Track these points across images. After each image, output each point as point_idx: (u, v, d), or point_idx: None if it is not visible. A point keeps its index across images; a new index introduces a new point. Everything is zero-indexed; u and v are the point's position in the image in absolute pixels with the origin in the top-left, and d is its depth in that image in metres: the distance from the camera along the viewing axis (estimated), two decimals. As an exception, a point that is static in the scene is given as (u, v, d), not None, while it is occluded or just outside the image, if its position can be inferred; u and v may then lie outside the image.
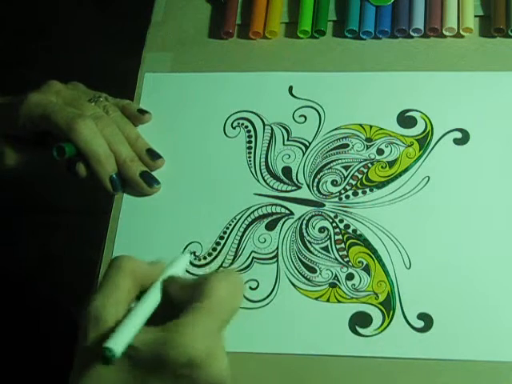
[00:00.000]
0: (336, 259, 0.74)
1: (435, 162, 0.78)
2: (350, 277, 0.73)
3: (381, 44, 0.85)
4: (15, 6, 1.79)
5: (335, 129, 0.81)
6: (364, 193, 0.77)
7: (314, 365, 0.69)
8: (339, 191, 0.77)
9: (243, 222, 0.77)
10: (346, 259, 0.74)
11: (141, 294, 0.64)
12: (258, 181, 0.79)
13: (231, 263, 0.75)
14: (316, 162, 0.79)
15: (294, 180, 0.78)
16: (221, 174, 0.79)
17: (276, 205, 0.77)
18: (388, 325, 0.70)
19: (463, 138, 0.78)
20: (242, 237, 0.76)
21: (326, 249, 0.75)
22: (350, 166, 0.78)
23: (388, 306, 0.71)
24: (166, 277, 0.65)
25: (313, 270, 0.74)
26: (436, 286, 0.71)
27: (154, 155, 0.80)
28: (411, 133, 0.79)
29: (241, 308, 0.72)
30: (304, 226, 0.76)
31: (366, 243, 0.74)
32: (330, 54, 0.85)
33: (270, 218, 0.77)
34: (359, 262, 0.73)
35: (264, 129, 0.82)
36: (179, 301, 0.63)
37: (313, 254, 0.74)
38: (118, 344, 0.59)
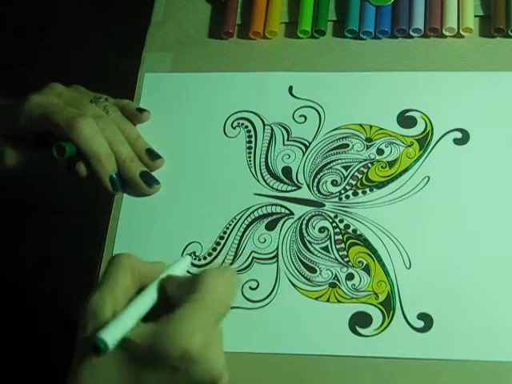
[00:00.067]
0: (336, 259, 0.74)
1: (435, 162, 0.78)
2: (349, 277, 0.73)
3: (381, 44, 0.85)
4: (15, 5, 1.79)
5: (335, 129, 0.81)
6: (364, 193, 0.77)
7: (314, 365, 0.69)
8: (339, 191, 0.77)
9: (243, 222, 0.77)
10: (345, 259, 0.74)
11: (140, 292, 0.65)
12: (258, 181, 0.79)
13: (231, 263, 0.75)
14: (316, 162, 0.79)
15: (294, 180, 0.78)
16: (221, 174, 0.79)
17: (276, 205, 0.77)
18: (388, 325, 0.70)
19: (463, 138, 0.79)
20: (241, 237, 0.76)
21: (326, 249, 0.75)
22: (350, 166, 0.78)
23: (388, 306, 0.71)
24: (165, 276, 0.66)
25: (313, 270, 0.74)
26: (436, 286, 0.71)
27: (153, 155, 0.80)
28: (411, 133, 0.79)
29: (241, 308, 0.72)
30: (304, 226, 0.76)
31: (366, 243, 0.74)
32: (329, 53, 0.85)
33: (269, 218, 0.77)
34: (359, 262, 0.73)
35: (264, 129, 0.82)
36: (176, 298, 0.63)
37: (313, 254, 0.74)
38: (109, 335, 0.60)
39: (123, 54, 1.26)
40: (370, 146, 0.79)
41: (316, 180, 0.78)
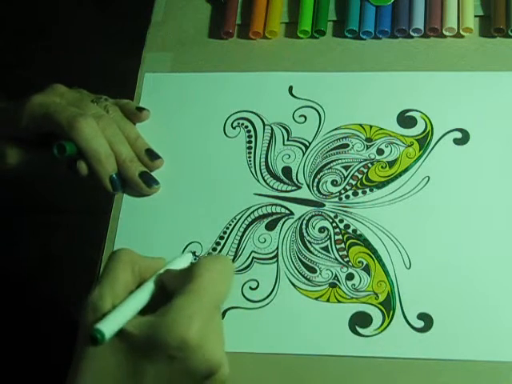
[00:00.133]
0: (336, 259, 0.74)
1: (435, 162, 0.78)
2: (350, 277, 0.73)
3: (381, 44, 0.85)
4: (15, 5, 1.79)
5: (335, 129, 0.81)
6: (364, 193, 0.77)
7: (314, 365, 0.69)
8: (339, 191, 0.77)
9: (243, 222, 0.77)
10: (345, 259, 0.74)
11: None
12: (258, 181, 0.79)
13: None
14: (316, 162, 0.79)
15: (294, 180, 0.78)
16: (221, 174, 0.79)
17: (276, 205, 0.77)
18: (388, 325, 0.70)
19: (463, 138, 0.79)
20: (242, 237, 0.76)
21: (326, 249, 0.75)
22: (350, 166, 0.78)
23: (388, 306, 0.71)
24: (164, 270, 0.66)
25: (313, 270, 0.74)
26: (436, 286, 0.71)
27: (152, 155, 0.80)
28: (411, 133, 0.79)
29: (241, 308, 0.72)
30: (304, 226, 0.76)
31: (366, 243, 0.74)
32: (329, 53, 0.85)
33: (269, 218, 0.77)
34: (359, 262, 0.73)
35: (264, 129, 0.82)
36: (173, 289, 0.64)
37: (313, 254, 0.74)
38: (107, 326, 0.61)
39: (123, 54, 1.26)
40: (370, 145, 0.79)
41: (316, 180, 0.78)
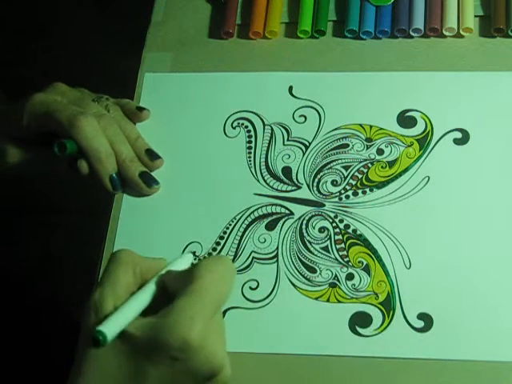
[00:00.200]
0: (336, 259, 0.74)
1: (435, 162, 0.78)
2: (350, 277, 0.73)
3: (381, 44, 0.85)
4: (15, 5, 1.79)
5: (335, 129, 0.81)
6: (364, 193, 0.77)
7: (314, 365, 0.69)
8: (339, 191, 0.77)
9: (243, 222, 0.77)
10: (345, 259, 0.74)
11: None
12: (258, 181, 0.79)
13: (231, 263, 0.75)
14: (316, 162, 0.79)
15: (294, 180, 0.78)
16: (221, 174, 0.79)
17: (276, 205, 0.77)
18: (388, 325, 0.70)
19: (463, 138, 0.79)
20: (241, 237, 0.76)
21: (326, 249, 0.75)
22: (350, 166, 0.78)
23: (388, 305, 0.71)
24: (165, 271, 0.66)
25: (313, 270, 0.74)
26: (436, 286, 0.71)
27: (152, 155, 0.80)
28: (411, 133, 0.79)
29: (241, 308, 0.72)
30: (304, 226, 0.76)
31: (366, 243, 0.74)
32: (329, 53, 0.85)
33: (270, 218, 0.77)
34: (359, 262, 0.73)
35: (264, 129, 0.82)
36: (174, 291, 0.64)
37: (313, 254, 0.74)
38: (108, 328, 0.61)
39: (123, 53, 1.26)
40: (370, 145, 0.79)
41: (316, 180, 0.78)
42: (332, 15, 0.87)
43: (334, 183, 0.78)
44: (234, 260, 0.75)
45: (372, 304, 0.71)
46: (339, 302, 0.72)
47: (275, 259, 0.75)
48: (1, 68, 1.66)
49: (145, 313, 0.64)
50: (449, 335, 0.69)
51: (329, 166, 0.79)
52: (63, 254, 1.42)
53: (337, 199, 0.77)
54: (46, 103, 0.78)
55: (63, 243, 1.44)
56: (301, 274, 0.74)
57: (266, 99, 0.83)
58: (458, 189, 0.76)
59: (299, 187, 0.78)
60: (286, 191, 0.78)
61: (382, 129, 0.80)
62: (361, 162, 0.78)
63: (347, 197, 0.77)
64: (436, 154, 0.78)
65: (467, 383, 0.67)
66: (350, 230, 0.75)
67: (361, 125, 0.80)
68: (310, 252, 0.75)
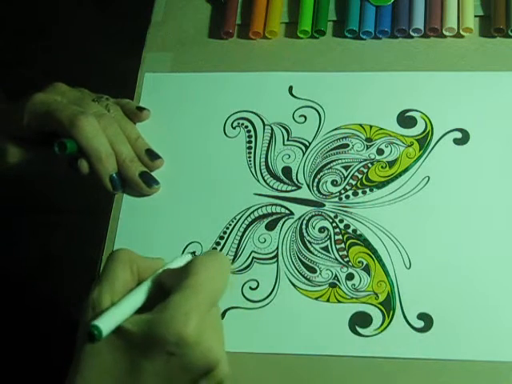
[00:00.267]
0: (336, 259, 0.74)
1: (435, 162, 0.78)
2: (350, 277, 0.73)
3: (381, 44, 0.85)
4: (15, 5, 1.79)
5: (335, 129, 0.81)
6: (364, 193, 0.77)
7: (314, 365, 0.69)
8: (339, 191, 0.77)
9: (243, 222, 0.77)
10: (345, 259, 0.74)
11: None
12: (258, 181, 0.79)
13: (231, 263, 0.75)
14: (316, 162, 0.79)
15: (294, 180, 0.78)
16: (221, 174, 0.79)
17: (276, 205, 0.77)
18: (388, 325, 0.70)
19: (463, 138, 0.79)
20: (241, 237, 0.76)
21: (325, 249, 0.75)
22: (350, 166, 0.78)
23: (388, 305, 0.71)
24: (162, 270, 0.67)
25: (313, 270, 0.74)
26: (436, 286, 0.71)
27: (152, 155, 0.80)
28: (411, 133, 0.79)
29: (241, 308, 0.72)
30: (304, 226, 0.76)
31: (366, 243, 0.74)
32: (329, 53, 0.85)
33: (270, 218, 0.77)
34: (359, 262, 0.73)
35: (264, 129, 0.82)
36: (170, 287, 0.64)
37: (313, 254, 0.74)
38: (104, 323, 0.62)
39: (123, 53, 1.26)
40: (370, 145, 0.79)
41: (316, 180, 0.78)
42: (332, 15, 0.87)
43: (334, 183, 0.78)
44: (233, 260, 0.75)
45: (372, 304, 0.71)
46: (339, 301, 0.72)
47: (275, 259, 0.75)
48: (1, 68, 1.66)
49: (141, 311, 0.64)
50: (449, 335, 0.69)
51: (329, 166, 0.79)
52: (63, 254, 1.42)
53: (337, 199, 0.77)
54: (47, 103, 0.78)
55: (63, 243, 1.44)
56: (301, 274, 0.74)
57: (266, 99, 0.83)
58: (458, 189, 0.76)
59: (299, 187, 0.78)
60: (286, 191, 0.78)
61: (382, 129, 0.80)
62: (361, 162, 0.78)
63: (347, 197, 0.77)
64: (436, 154, 0.78)
65: (467, 383, 0.67)
66: (349, 230, 0.75)
67: (361, 125, 0.80)
68: (310, 252, 0.75)
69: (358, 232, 0.75)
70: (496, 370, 0.67)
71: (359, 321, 0.71)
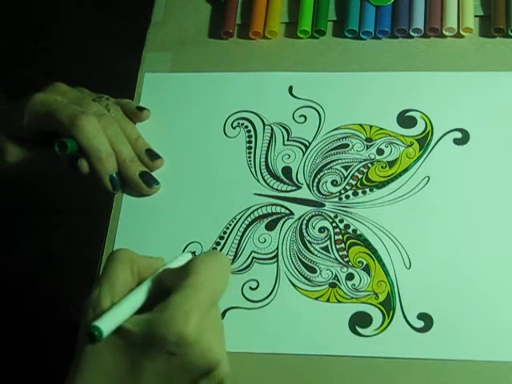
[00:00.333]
0: (336, 259, 0.74)
1: (435, 162, 0.78)
2: (350, 277, 0.73)
3: (381, 44, 0.85)
4: (15, 5, 1.79)
5: (335, 129, 0.81)
6: (364, 193, 0.77)
7: (314, 365, 0.69)
8: (339, 191, 0.77)
9: (243, 222, 0.77)
10: (345, 259, 0.74)
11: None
12: (258, 181, 0.79)
13: (231, 263, 0.75)
14: (316, 162, 0.79)
15: (294, 180, 0.78)
16: (221, 174, 0.79)
17: (276, 205, 0.77)
18: (388, 325, 0.70)
19: (463, 138, 0.79)
20: (241, 237, 0.76)
21: (326, 249, 0.75)
22: (350, 166, 0.78)
23: (388, 305, 0.71)
24: (162, 269, 0.67)
25: (313, 270, 0.74)
26: (436, 286, 0.71)
27: (153, 155, 0.80)
28: (411, 133, 0.79)
29: (241, 308, 0.72)
30: (304, 226, 0.76)
31: (366, 243, 0.74)
32: (329, 53, 0.85)
33: (270, 218, 0.77)
34: (359, 262, 0.73)
35: (264, 129, 0.82)
36: (170, 286, 0.64)
37: (313, 254, 0.74)
38: (104, 323, 0.62)
39: (123, 53, 1.26)
40: (370, 145, 0.79)
41: (316, 180, 0.78)
42: (332, 15, 0.87)
43: (334, 183, 0.78)
44: (233, 260, 0.75)
45: (372, 304, 0.71)
46: (339, 301, 0.72)
47: (275, 259, 0.75)
48: (1, 68, 1.66)
49: (142, 310, 0.64)
50: (449, 335, 0.69)
51: (329, 166, 0.79)
52: (63, 254, 1.42)
53: (337, 199, 0.77)
54: (47, 103, 0.78)
55: (63, 243, 1.44)
56: (301, 274, 0.74)
57: (266, 99, 0.83)
58: (458, 189, 0.76)
59: (299, 187, 0.78)
60: (286, 191, 0.78)
61: (382, 129, 0.80)
62: (361, 162, 0.78)
63: (347, 197, 0.77)
64: (436, 153, 0.78)
65: (467, 383, 0.67)
66: (349, 230, 0.75)
67: (361, 125, 0.80)
68: (310, 252, 0.75)
69: (358, 232, 0.75)
70: (496, 370, 0.67)
71: (359, 321, 0.71)
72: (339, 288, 0.72)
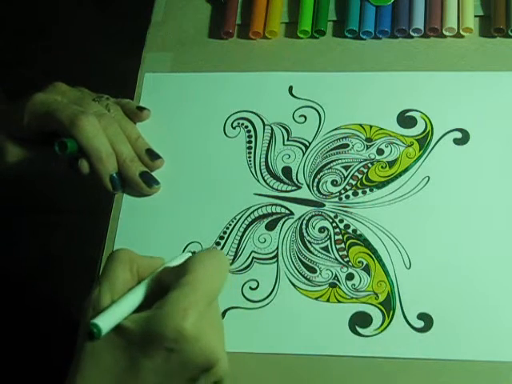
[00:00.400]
0: (336, 259, 0.74)
1: (435, 162, 0.78)
2: (350, 277, 0.73)
3: (381, 44, 0.85)
4: (15, 5, 1.79)
5: (335, 129, 0.81)
6: (364, 193, 0.77)
7: (314, 365, 0.69)
8: (339, 191, 0.77)
9: (243, 222, 0.77)
10: (345, 259, 0.74)
11: None
12: (258, 181, 0.79)
13: (231, 263, 0.75)
14: (316, 162, 0.79)
15: (294, 180, 0.78)
16: (221, 174, 0.79)
17: (276, 205, 0.77)
18: (388, 325, 0.70)
19: (463, 138, 0.79)
20: (242, 237, 0.76)
21: (326, 249, 0.75)
22: (350, 166, 0.78)
23: (388, 305, 0.71)
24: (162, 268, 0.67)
25: (313, 270, 0.74)
26: (436, 286, 0.71)
27: (153, 155, 0.80)
28: (411, 133, 0.79)
29: (241, 308, 0.72)
30: (304, 226, 0.76)
31: (366, 243, 0.74)
32: (329, 53, 0.85)
33: (270, 218, 0.77)
34: (359, 262, 0.73)
35: (264, 129, 0.82)
36: (169, 284, 0.64)
37: (313, 254, 0.74)
38: (103, 321, 0.62)
39: (123, 53, 1.26)
40: (370, 145, 0.79)
41: (316, 180, 0.78)
42: (332, 15, 0.87)
43: (334, 183, 0.78)
44: (233, 260, 0.75)
45: (372, 304, 0.71)
46: (339, 301, 0.72)
47: (275, 259, 0.75)
48: (1, 68, 1.66)
49: (141, 309, 0.64)
50: (449, 335, 0.69)
51: (329, 166, 0.79)
52: (63, 254, 1.42)
53: (337, 199, 0.77)
54: (47, 103, 0.78)
55: (63, 243, 1.44)
56: (301, 274, 0.74)
57: (266, 99, 0.83)
58: (458, 189, 0.76)
59: (299, 187, 0.78)
60: (286, 191, 0.78)
61: (382, 129, 0.80)
62: (361, 162, 0.78)
63: (347, 197, 0.77)
64: (436, 153, 0.78)
65: (467, 383, 0.67)
66: (349, 230, 0.75)
67: (361, 125, 0.80)
68: (310, 252, 0.75)
69: (358, 232, 0.75)
70: (496, 369, 0.67)
71: (359, 321, 0.71)
72: (339, 288, 0.72)
